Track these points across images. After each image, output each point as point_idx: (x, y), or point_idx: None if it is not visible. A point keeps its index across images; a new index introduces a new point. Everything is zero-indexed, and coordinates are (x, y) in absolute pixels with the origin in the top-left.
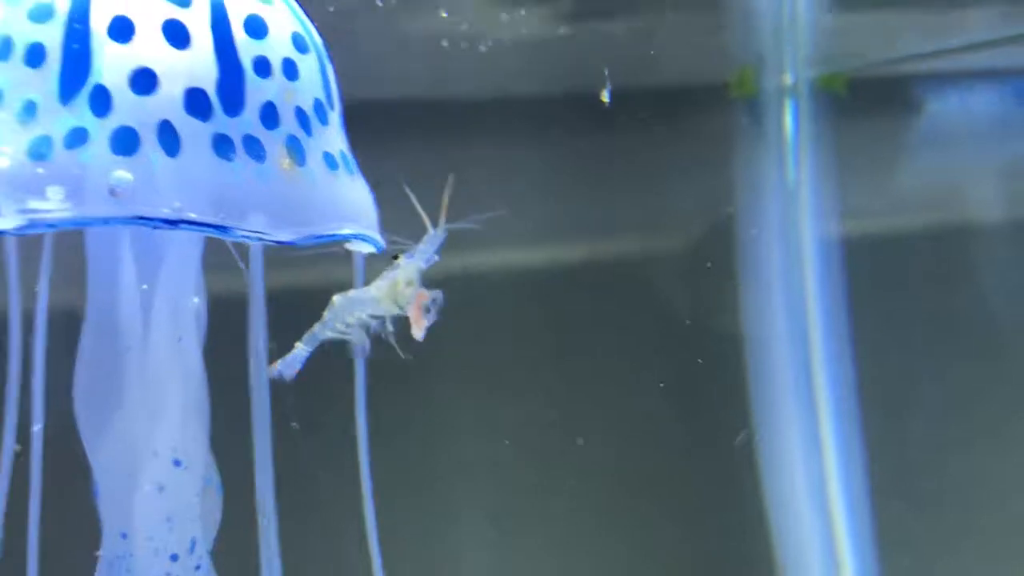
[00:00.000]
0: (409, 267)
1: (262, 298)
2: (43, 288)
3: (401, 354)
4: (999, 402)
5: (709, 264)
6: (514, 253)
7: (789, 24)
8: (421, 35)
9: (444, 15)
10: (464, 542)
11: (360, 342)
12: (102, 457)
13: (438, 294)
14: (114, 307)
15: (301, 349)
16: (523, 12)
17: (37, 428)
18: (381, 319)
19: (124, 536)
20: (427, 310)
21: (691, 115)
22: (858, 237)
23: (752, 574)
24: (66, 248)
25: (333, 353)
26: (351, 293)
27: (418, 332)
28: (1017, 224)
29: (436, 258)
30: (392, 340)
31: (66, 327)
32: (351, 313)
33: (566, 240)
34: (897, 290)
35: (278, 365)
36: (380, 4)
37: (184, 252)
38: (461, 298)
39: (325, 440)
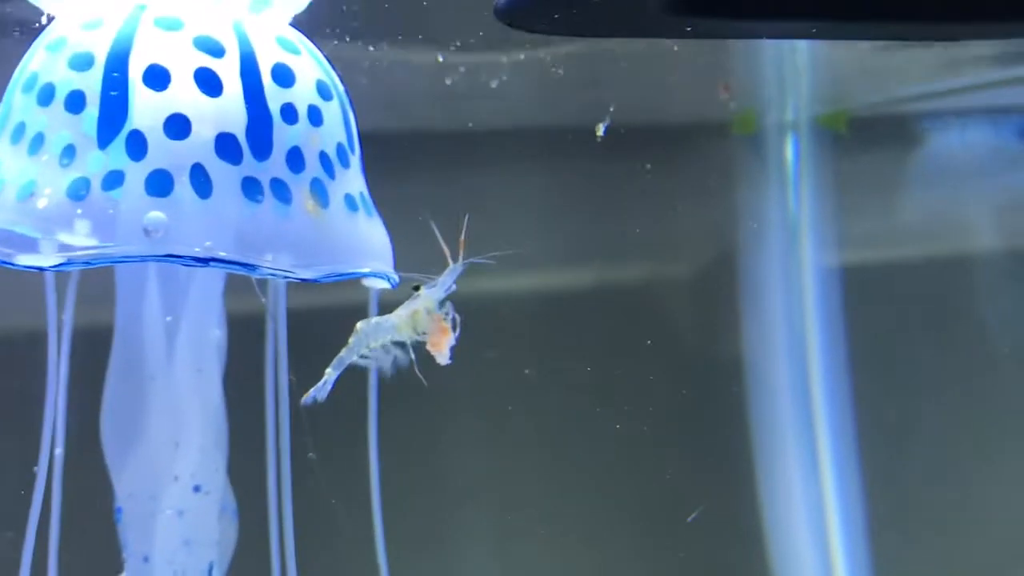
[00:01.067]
0: (429, 297)
1: (284, 335)
2: (68, 311)
3: (424, 381)
4: (996, 430)
5: (712, 292)
6: (521, 279)
7: (791, 64)
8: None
9: (440, 59)
10: (469, 560)
11: (383, 366)
12: (126, 481)
13: (454, 316)
14: (140, 337)
15: (330, 374)
16: (522, 56)
17: (59, 451)
18: (403, 344)
19: (146, 559)
20: (444, 331)
21: (695, 149)
22: (857, 267)
23: None
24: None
25: (348, 380)
26: (374, 320)
27: (441, 358)
28: (1013, 255)
29: (454, 287)
30: (415, 365)
31: (94, 346)
32: (375, 339)
33: (571, 267)
34: (895, 319)
35: (311, 392)
36: (372, 49)
37: (207, 287)
38: (469, 323)
39: (338, 465)
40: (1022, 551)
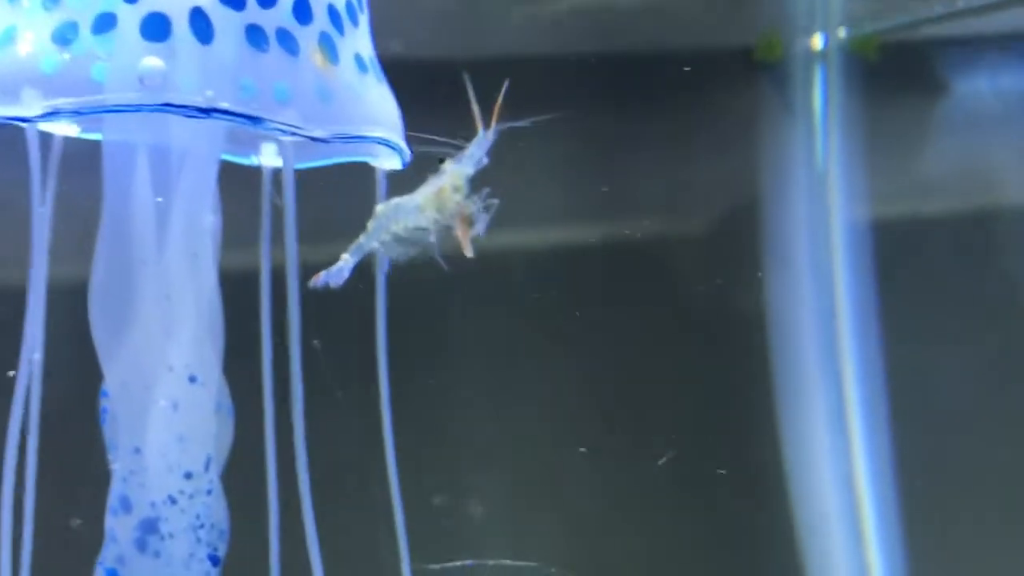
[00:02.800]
0: (456, 173)
1: (293, 215)
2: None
3: (444, 267)
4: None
5: (734, 244)
6: (533, 231)
7: None
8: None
9: None
10: (475, 519)
11: (404, 254)
12: (117, 370)
13: (491, 203)
14: (129, 219)
15: (347, 260)
16: None
17: (37, 357)
18: (426, 230)
19: (138, 451)
20: (472, 223)
21: (717, 87)
22: (886, 220)
23: (773, 549)
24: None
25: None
26: (395, 201)
27: (467, 250)
28: None
29: (485, 161)
30: (437, 252)
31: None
32: (396, 222)
33: (586, 219)
34: (925, 273)
35: (322, 275)
36: None
37: (200, 168)
38: (479, 276)
39: (343, 362)
40: None
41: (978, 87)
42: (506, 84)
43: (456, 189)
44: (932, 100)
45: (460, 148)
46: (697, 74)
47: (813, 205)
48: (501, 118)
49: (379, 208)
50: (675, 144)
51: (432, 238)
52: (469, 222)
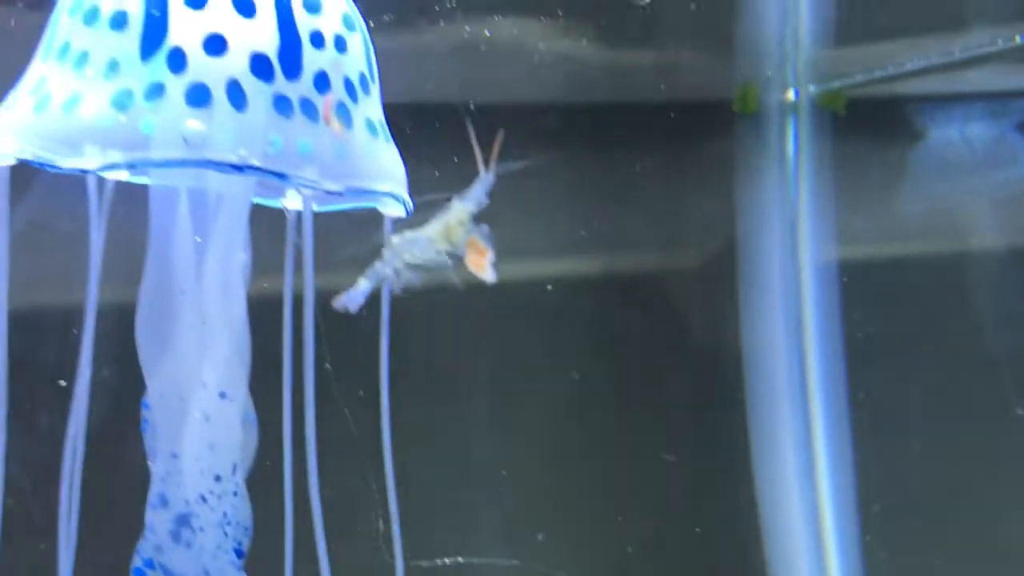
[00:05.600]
0: (461, 209)
1: (310, 253)
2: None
3: (460, 286)
4: (990, 426)
5: (712, 282)
6: (530, 265)
7: (792, 44)
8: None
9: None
10: (480, 545)
11: (414, 279)
12: (158, 385)
13: (484, 229)
14: (171, 254)
15: (363, 284)
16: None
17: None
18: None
19: (174, 456)
20: (483, 250)
21: (700, 136)
22: (855, 261)
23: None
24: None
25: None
26: (407, 233)
27: (486, 275)
28: (1012, 252)
29: (486, 201)
30: (455, 276)
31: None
32: (408, 252)
33: (583, 254)
34: (892, 315)
35: (343, 297)
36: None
37: (234, 211)
38: (478, 308)
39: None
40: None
41: (947, 136)
42: (501, 132)
43: (460, 223)
44: (901, 150)
45: (450, 199)
46: (683, 123)
47: (786, 245)
48: (500, 160)
49: (394, 239)
50: (664, 186)
51: (448, 262)
52: (479, 250)
